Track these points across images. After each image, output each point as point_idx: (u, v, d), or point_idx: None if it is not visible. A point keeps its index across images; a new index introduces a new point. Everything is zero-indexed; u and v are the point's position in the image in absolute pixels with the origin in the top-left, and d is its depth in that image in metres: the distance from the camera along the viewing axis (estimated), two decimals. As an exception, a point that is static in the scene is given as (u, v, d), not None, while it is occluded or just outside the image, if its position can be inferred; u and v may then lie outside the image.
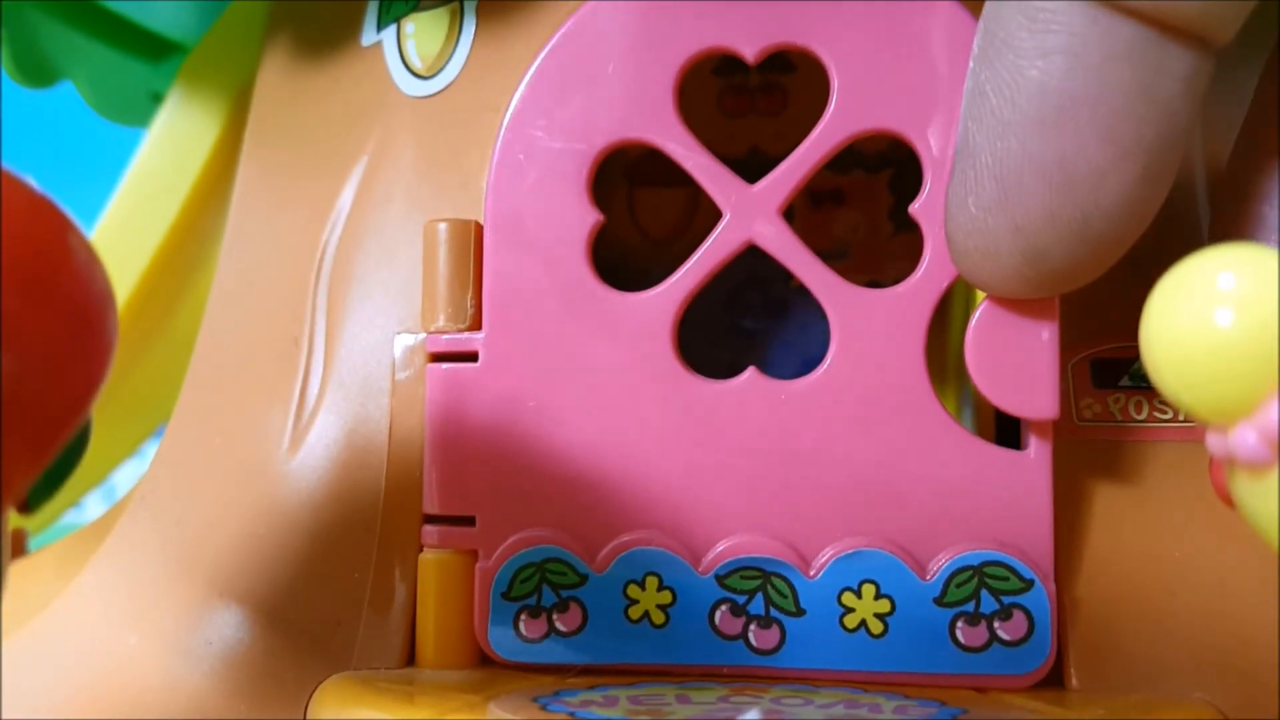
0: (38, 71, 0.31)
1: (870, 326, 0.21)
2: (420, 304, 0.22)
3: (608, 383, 0.21)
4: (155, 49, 0.32)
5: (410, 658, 0.22)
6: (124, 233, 0.32)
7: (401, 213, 0.24)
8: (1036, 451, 0.20)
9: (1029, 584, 0.20)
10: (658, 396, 0.21)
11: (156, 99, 0.33)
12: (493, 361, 0.21)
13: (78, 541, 0.26)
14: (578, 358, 0.21)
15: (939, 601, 0.20)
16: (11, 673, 0.22)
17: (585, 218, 0.21)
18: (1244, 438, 0.14)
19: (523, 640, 0.21)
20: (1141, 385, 0.21)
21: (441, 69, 0.24)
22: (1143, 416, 0.21)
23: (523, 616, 0.21)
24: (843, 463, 0.21)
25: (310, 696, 0.21)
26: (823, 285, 0.21)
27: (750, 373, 0.21)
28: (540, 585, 0.21)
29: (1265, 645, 0.20)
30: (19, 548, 0.30)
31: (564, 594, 0.21)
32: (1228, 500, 0.16)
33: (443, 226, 0.22)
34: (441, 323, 0.22)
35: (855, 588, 0.20)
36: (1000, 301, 0.20)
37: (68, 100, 0.33)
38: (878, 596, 0.20)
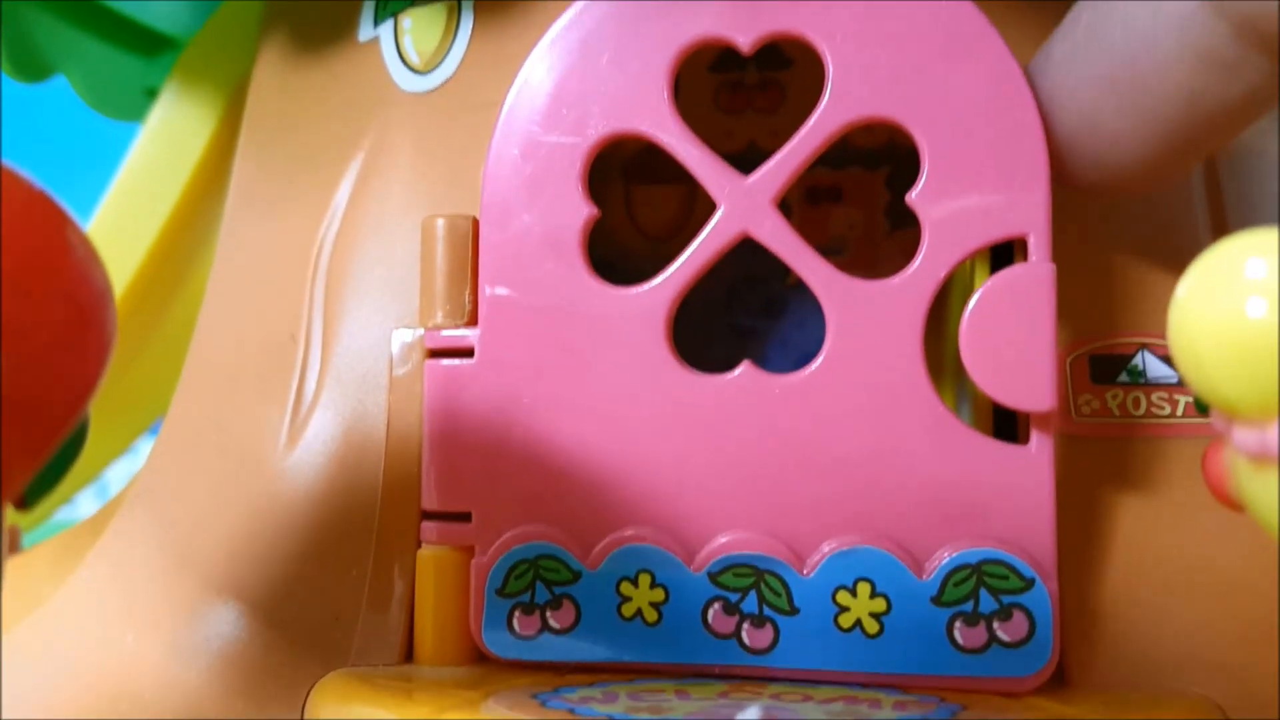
0: (32, 66, 0.31)
1: (866, 318, 0.20)
2: (418, 299, 0.22)
3: (602, 377, 0.21)
4: (150, 44, 0.32)
5: (409, 654, 0.22)
6: (118, 228, 0.32)
7: (399, 208, 0.24)
8: (1038, 446, 0.20)
9: (1029, 583, 0.20)
10: (652, 391, 0.21)
11: (151, 94, 0.33)
12: (488, 357, 0.21)
13: (72, 538, 0.26)
14: (572, 353, 0.21)
15: (936, 601, 0.20)
16: (6, 670, 0.22)
17: (580, 211, 0.21)
18: None
19: (517, 637, 0.21)
20: (1139, 381, 0.21)
21: (439, 64, 0.24)
22: (1140, 412, 0.21)
23: (517, 613, 0.21)
24: (838, 457, 0.20)
25: (308, 693, 0.21)
26: (818, 277, 0.21)
27: (745, 366, 0.21)
28: (534, 582, 0.21)
29: (1265, 641, 0.20)
30: (13, 545, 0.29)
31: (557, 591, 0.21)
32: (1226, 499, 0.15)
33: (440, 222, 0.22)
34: (439, 318, 0.22)
35: (850, 586, 0.20)
36: (995, 292, 0.20)
37: (62, 95, 0.33)
38: (873, 595, 0.20)
